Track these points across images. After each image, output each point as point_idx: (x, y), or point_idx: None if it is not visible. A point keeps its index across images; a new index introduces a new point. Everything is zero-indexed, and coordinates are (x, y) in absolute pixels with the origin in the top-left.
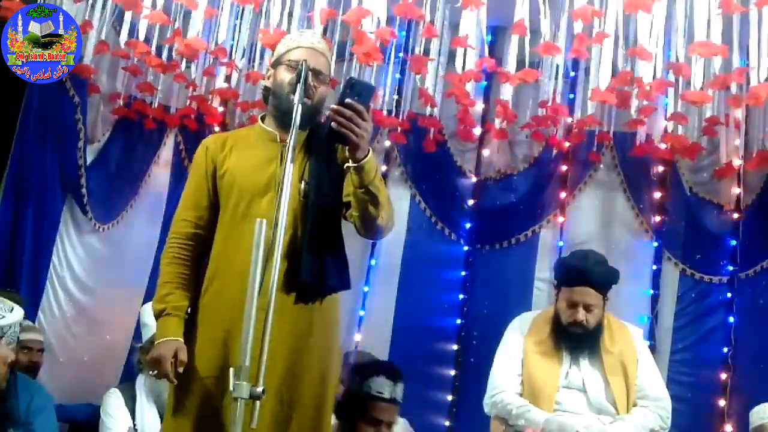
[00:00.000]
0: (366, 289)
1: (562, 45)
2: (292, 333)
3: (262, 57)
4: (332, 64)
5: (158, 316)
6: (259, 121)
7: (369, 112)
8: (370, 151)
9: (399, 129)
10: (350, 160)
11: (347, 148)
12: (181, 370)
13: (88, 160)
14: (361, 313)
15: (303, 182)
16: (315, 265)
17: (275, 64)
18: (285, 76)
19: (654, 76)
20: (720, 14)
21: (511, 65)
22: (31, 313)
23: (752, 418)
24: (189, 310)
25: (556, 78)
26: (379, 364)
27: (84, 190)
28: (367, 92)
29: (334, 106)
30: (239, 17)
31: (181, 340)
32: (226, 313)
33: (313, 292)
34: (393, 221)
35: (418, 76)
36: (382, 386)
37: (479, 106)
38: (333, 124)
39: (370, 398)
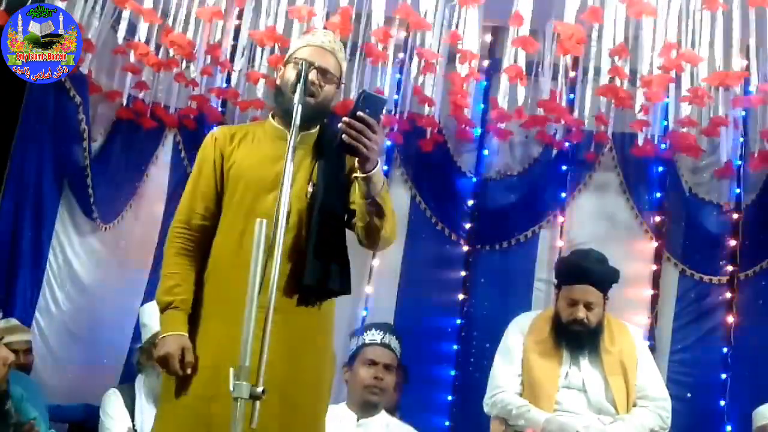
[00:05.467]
0: (368, 289)
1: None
2: (290, 335)
3: (262, 56)
4: (344, 64)
5: (164, 308)
6: (270, 118)
7: (380, 124)
8: (379, 163)
9: (399, 129)
10: (359, 171)
11: (356, 159)
12: (189, 371)
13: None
14: (364, 313)
15: (310, 184)
16: (318, 269)
17: (286, 62)
18: (291, 74)
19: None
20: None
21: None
22: (28, 313)
23: (755, 418)
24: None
25: (555, 78)
26: (374, 323)
27: (90, 190)
28: (379, 105)
29: (346, 119)
30: (239, 17)
31: (187, 336)
32: (225, 308)
33: (314, 295)
34: (396, 234)
35: (420, 76)
36: (374, 335)
37: (479, 106)
38: (344, 136)
39: (366, 345)
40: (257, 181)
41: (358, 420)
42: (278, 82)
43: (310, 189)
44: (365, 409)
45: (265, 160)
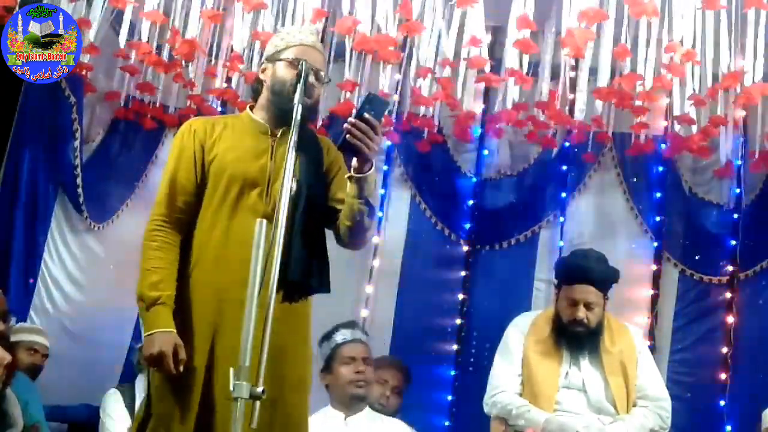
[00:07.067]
0: (368, 289)
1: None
2: (274, 331)
3: (260, 57)
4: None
5: (151, 304)
6: (248, 111)
7: (381, 126)
8: (374, 164)
9: (397, 129)
10: (354, 171)
11: (355, 159)
12: (181, 369)
13: (84, 159)
14: (364, 313)
15: (294, 180)
16: (302, 265)
17: (273, 59)
18: (287, 73)
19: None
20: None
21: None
22: (22, 313)
23: (765, 418)
24: None
25: (555, 78)
26: (339, 324)
27: (80, 190)
28: (382, 107)
29: (352, 120)
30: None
31: (175, 332)
32: (208, 303)
33: (297, 291)
34: (373, 232)
35: (419, 79)
36: (345, 334)
37: (479, 107)
38: (348, 136)
39: (339, 345)
40: (241, 177)
41: (345, 419)
42: (264, 78)
43: (294, 185)
44: (352, 405)
45: (248, 155)
